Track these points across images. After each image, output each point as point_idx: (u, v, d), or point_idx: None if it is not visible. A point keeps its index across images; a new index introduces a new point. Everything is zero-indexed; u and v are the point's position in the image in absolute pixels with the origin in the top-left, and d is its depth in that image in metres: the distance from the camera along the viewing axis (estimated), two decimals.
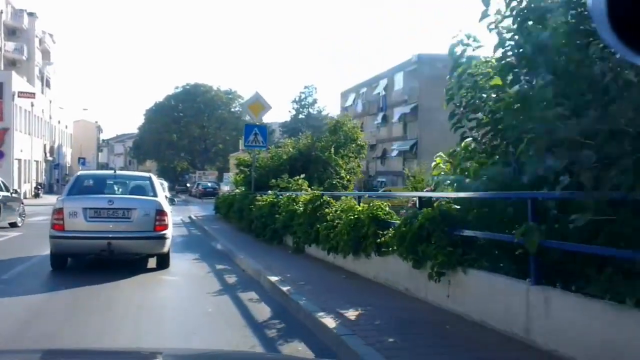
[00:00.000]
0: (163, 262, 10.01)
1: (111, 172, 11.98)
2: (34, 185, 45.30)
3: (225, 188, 61.51)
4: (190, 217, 25.39)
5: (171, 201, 18.39)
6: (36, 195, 43.39)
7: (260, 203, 13.39)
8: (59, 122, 60.81)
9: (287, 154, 17.72)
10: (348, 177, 17.62)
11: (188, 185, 73.25)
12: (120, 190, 11.03)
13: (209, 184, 57.75)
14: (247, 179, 18.67)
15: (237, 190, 21.56)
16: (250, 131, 16.28)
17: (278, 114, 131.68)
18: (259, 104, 16.26)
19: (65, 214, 9.36)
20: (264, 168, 17.33)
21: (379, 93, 56.67)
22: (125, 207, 9.65)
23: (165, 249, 9.87)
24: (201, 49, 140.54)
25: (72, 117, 72.80)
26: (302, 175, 14.52)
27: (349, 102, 66.55)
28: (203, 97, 75.88)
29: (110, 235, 9.31)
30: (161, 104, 77.81)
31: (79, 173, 12.02)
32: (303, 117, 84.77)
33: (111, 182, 11.16)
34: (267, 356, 4.02)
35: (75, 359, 2.67)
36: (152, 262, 10.22)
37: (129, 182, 11.44)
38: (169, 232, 9.87)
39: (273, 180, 14.87)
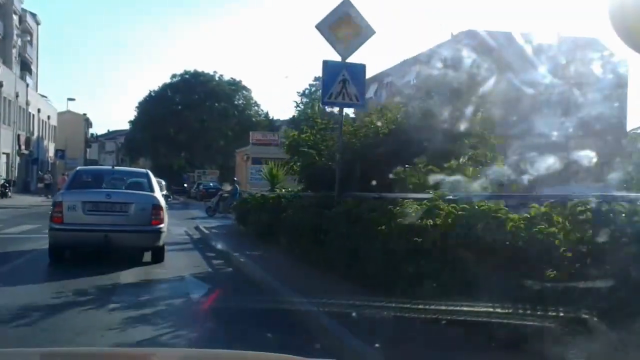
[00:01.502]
0: (158, 255, 10.26)
1: (109, 167, 13.48)
2: (1, 182, 37.14)
3: (226, 188, 53.75)
4: (198, 229, 17.53)
5: (165, 198, 14.29)
6: (2, 195, 35.28)
7: (412, 222, 5.16)
8: (38, 110, 52.73)
9: (389, 123, 9.74)
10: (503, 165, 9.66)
11: (186, 185, 65.14)
12: (117, 185, 11.08)
13: (211, 184, 49.75)
14: (309, 170, 10.80)
15: (282, 191, 13.75)
16: (334, 76, 8.19)
17: (284, 110, 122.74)
18: (349, 23, 8.28)
19: (64, 207, 9.70)
20: (349, 148, 9.40)
21: (409, 81, 48.72)
22: (122, 201, 9.97)
23: (161, 243, 10.17)
24: (201, 37, 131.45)
25: (56, 108, 64.77)
26: (465, 158, 6.66)
27: (370, 93, 58.59)
28: (203, 87, 67.80)
29: (108, 229, 9.61)
30: (156, 95, 69.70)
31: (78, 168, 12.46)
32: (313, 112, 76.98)
33: (109, 177, 11.52)
34: (267, 356, 3.38)
35: (74, 359, 2.75)
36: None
37: (127, 178, 11.59)
38: (164, 227, 10.17)
39: (400, 169, 6.97)
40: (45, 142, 57.53)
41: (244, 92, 71.10)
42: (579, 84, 32.71)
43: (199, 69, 69.68)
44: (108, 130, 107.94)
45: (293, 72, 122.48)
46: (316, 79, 78.07)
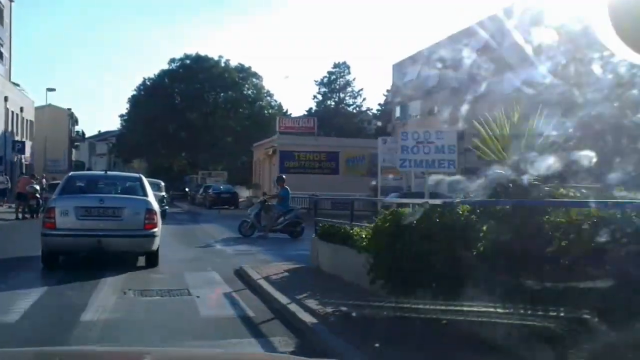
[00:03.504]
0: (152, 259, 10.17)
1: (102, 172, 13.37)
2: None
3: (244, 193, 43.29)
4: (253, 287, 7.45)
5: (160, 201, 12.84)
6: None
7: None
8: (5, 99, 42.40)
9: None
10: None
11: (187, 189, 54.61)
12: (110, 190, 11.24)
13: (222, 187, 39.04)
14: None
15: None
16: None
17: (302, 103, 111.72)
18: None
19: (56, 213, 9.72)
20: None
21: (477, 50, 38.38)
22: (115, 206, 10.01)
23: (154, 247, 10.08)
24: (205, 33, 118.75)
25: (35, 101, 54.63)
26: None
27: (412, 75, 48.54)
28: (207, 73, 57.37)
29: (101, 234, 9.62)
30: (152, 84, 59.28)
31: (71, 173, 12.83)
32: (333, 103, 66.90)
33: (102, 182, 11.63)
34: (267, 356, 3.69)
35: (74, 359, 2.75)
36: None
37: (120, 182, 11.86)
38: (158, 231, 10.09)
39: None
40: (18, 139, 47.15)
41: (254, 80, 60.77)
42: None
43: (202, 53, 59.23)
44: (99, 132, 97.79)
45: (307, 60, 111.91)
46: (335, 65, 68.03)
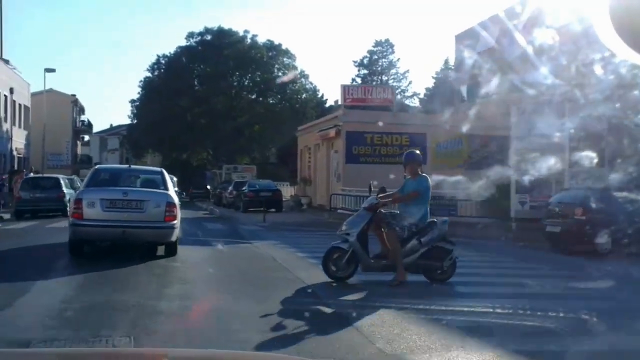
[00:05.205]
0: (171, 249, 10.86)
1: (126, 166, 14.62)
2: None
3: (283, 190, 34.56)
4: None
5: (179, 195, 13.73)
6: None
7: None
8: None
9: None
10: None
11: (209, 187, 46.21)
12: (134, 183, 11.69)
13: (257, 185, 29.89)
14: None
15: None
16: None
17: (334, 86, 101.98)
18: None
19: (83, 204, 10.31)
20: None
21: None
22: (138, 199, 10.57)
23: (174, 238, 10.73)
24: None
25: (32, 87, 46.68)
26: None
27: (484, 45, 39.52)
28: (231, 51, 48.78)
29: (125, 225, 10.15)
30: (167, 64, 50.85)
31: (97, 167, 13.43)
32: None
33: (126, 175, 12.09)
34: (267, 356, 3.67)
35: (74, 359, 2.73)
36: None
37: (142, 176, 12.27)
38: (177, 223, 10.72)
39: None
40: (7, 126, 38.96)
41: (286, 59, 52.08)
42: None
43: (225, 26, 50.64)
44: (111, 125, 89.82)
45: (343, 38, 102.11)
46: (377, 43, 59.19)
